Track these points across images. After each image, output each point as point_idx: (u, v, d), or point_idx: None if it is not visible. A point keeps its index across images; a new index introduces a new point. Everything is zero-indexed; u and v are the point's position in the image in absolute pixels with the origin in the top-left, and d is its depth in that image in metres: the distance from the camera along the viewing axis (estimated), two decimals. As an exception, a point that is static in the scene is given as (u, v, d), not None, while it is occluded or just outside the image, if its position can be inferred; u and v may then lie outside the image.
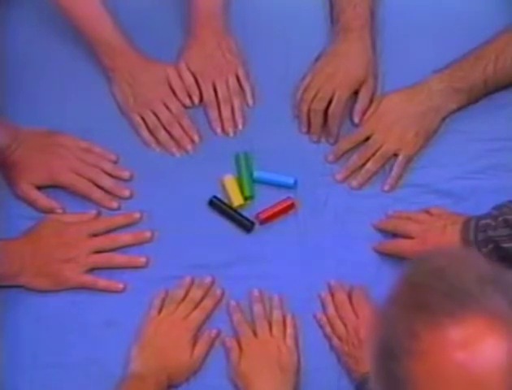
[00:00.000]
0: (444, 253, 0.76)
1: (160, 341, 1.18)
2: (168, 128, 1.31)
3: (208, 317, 1.21)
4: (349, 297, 1.20)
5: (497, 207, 1.15)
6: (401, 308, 0.72)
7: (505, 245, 1.10)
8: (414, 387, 0.69)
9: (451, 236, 1.15)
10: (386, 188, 1.27)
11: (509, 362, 0.68)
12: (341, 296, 1.20)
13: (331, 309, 1.20)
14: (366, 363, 1.11)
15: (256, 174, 1.28)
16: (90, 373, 1.18)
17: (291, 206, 1.26)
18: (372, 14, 1.34)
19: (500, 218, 1.11)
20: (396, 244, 1.21)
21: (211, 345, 1.19)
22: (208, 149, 1.31)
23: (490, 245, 1.11)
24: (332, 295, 1.21)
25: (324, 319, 1.19)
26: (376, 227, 1.24)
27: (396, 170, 1.27)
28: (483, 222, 1.13)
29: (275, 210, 1.26)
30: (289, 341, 1.18)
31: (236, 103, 1.33)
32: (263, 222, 1.26)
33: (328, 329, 1.19)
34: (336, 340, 1.18)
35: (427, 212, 1.22)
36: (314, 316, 1.20)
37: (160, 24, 1.39)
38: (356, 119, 1.31)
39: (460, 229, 1.15)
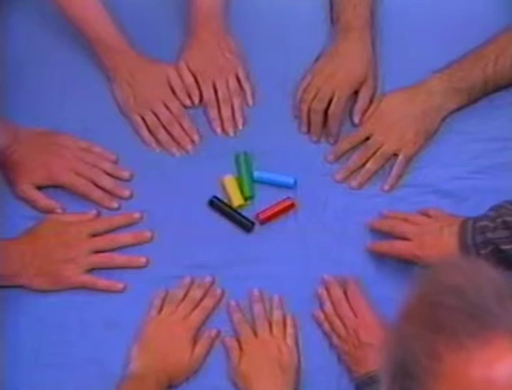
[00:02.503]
0: (456, 267, 0.74)
1: (160, 341, 1.18)
2: (168, 128, 1.31)
3: (208, 317, 1.21)
4: (345, 293, 1.20)
5: (495, 208, 1.14)
6: (419, 327, 0.71)
7: (505, 247, 1.09)
8: None
9: (448, 238, 1.14)
10: (386, 188, 1.27)
11: None
12: (337, 294, 1.20)
13: (328, 307, 1.19)
14: (367, 364, 1.12)
15: (256, 174, 1.28)
16: (90, 373, 1.18)
17: (291, 206, 1.26)
18: (372, 14, 1.34)
19: (498, 220, 1.10)
20: (392, 246, 1.20)
21: (211, 345, 1.19)
22: (208, 149, 1.31)
23: (489, 247, 1.10)
24: (328, 290, 1.21)
25: (322, 317, 1.19)
26: (372, 227, 1.24)
27: (396, 170, 1.27)
28: (480, 224, 1.12)
29: (275, 210, 1.26)
30: (289, 341, 1.18)
31: (236, 103, 1.33)
32: (263, 222, 1.26)
33: (327, 326, 1.19)
34: (335, 339, 1.18)
35: (425, 213, 1.22)
36: (313, 315, 1.20)
37: (160, 24, 1.39)
38: (356, 119, 1.31)
39: (457, 231, 1.14)
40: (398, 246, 1.19)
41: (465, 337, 0.68)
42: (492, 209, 1.14)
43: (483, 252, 1.11)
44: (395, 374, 0.72)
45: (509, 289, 0.70)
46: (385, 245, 1.21)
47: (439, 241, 1.15)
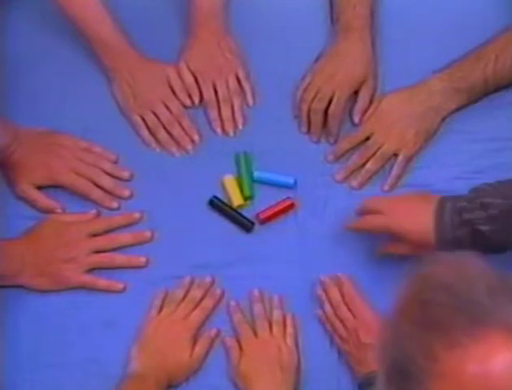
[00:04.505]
0: (446, 263, 0.73)
1: (160, 341, 1.18)
2: (168, 128, 1.31)
3: (208, 317, 1.21)
4: (341, 294, 1.20)
5: (474, 190, 1.13)
6: (414, 327, 0.71)
7: (482, 228, 1.08)
8: None
9: (424, 215, 1.11)
10: (386, 188, 1.27)
11: None
12: (335, 296, 1.20)
13: (328, 308, 1.19)
14: (368, 364, 1.12)
15: (256, 174, 1.28)
16: (90, 373, 1.18)
17: (291, 206, 1.26)
18: (372, 14, 1.34)
19: (477, 201, 1.09)
20: (365, 220, 1.18)
21: (211, 345, 1.19)
22: (208, 149, 1.31)
23: (466, 228, 1.08)
24: (326, 292, 1.20)
25: (324, 317, 1.20)
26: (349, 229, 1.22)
27: (396, 170, 1.27)
28: (459, 204, 1.10)
29: (275, 210, 1.26)
30: (289, 341, 1.18)
31: (236, 103, 1.33)
32: (263, 222, 1.26)
33: (329, 326, 1.19)
34: (337, 339, 1.18)
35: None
36: (315, 313, 1.20)
37: (160, 24, 1.39)
38: (356, 119, 1.31)
39: (435, 209, 1.11)
40: (371, 219, 1.17)
41: (459, 334, 0.68)
42: (471, 190, 1.13)
43: (458, 232, 1.09)
44: (391, 374, 0.72)
45: (500, 283, 0.70)
46: (358, 223, 1.19)
47: (414, 217, 1.13)
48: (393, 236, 1.16)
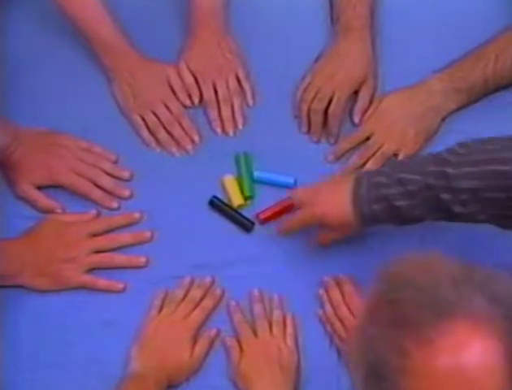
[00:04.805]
0: (412, 262, 0.74)
1: (160, 341, 1.18)
2: (168, 128, 1.31)
3: (208, 317, 1.21)
4: (342, 294, 1.20)
5: (390, 164, 1.14)
6: (384, 327, 0.72)
7: (398, 204, 1.08)
8: None
9: (343, 194, 1.11)
10: (386, 187, 1.27)
11: (499, 359, 0.68)
12: (336, 296, 1.20)
13: (328, 309, 1.20)
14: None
15: (256, 174, 1.28)
16: (90, 373, 1.18)
17: (291, 206, 1.26)
18: (372, 14, 1.34)
19: (393, 176, 1.08)
20: (293, 217, 1.19)
21: (211, 345, 1.19)
22: (208, 149, 1.31)
23: (382, 203, 1.08)
24: (327, 293, 1.21)
25: (324, 317, 1.20)
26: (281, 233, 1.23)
27: (396, 170, 1.27)
28: (375, 179, 1.09)
29: (275, 210, 1.26)
30: (289, 341, 1.18)
31: (236, 103, 1.33)
32: (263, 222, 1.26)
33: (329, 326, 1.19)
34: (337, 339, 1.18)
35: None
36: (316, 313, 1.20)
37: (160, 24, 1.40)
38: (356, 119, 1.31)
39: (352, 186, 1.11)
40: (298, 215, 1.18)
41: (427, 329, 0.68)
42: (387, 165, 1.14)
43: (375, 207, 1.09)
44: (367, 378, 0.72)
45: (464, 275, 0.71)
46: (283, 225, 1.21)
47: (334, 198, 1.13)
48: (322, 224, 1.16)
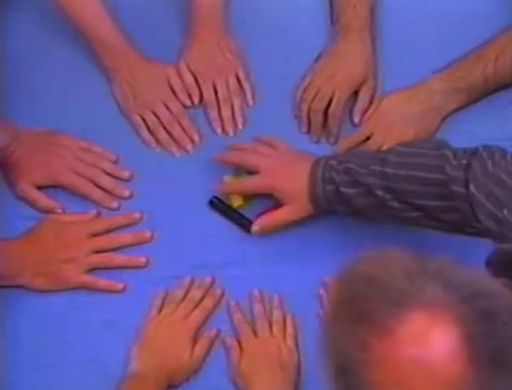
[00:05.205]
0: (368, 259, 0.76)
1: (160, 341, 1.18)
2: (168, 128, 1.31)
3: (208, 317, 1.21)
4: None
5: (348, 152, 1.20)
6: (345, 323, 0.73)
7: (343, 190, 1.12)
8: None
9: (300, 172, 1.16)
10: (386, 187, 1.28)
11: (459, 343, 0.68)
12: None
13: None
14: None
15: (256, 174, 1.28)
16: (90, 373, 1.18)
17: (291, 206, 1.26)
18: (372, 14, 1.34)
19: (344, 164, 1.13)
20: (247, 183, 1.23)
21: (211, 345, 1.19)
22: (208, 149, 1.31)
23: (332, 186, 1.13)
24: (327, 291, 1.20)
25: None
26: (220, 160, 1.26)
27: (396, 170, 1.27)
28: (331, 162, 1.15)
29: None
30: (289, 341, 1.18)
31: (237, 103, 1.33)
32: (263, 222, 1.26)
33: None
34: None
35: (270, 145, 1.24)
36: (316, 313, 1.20)
37: (160, 24, 1.39)
38: (356, 119, 1.31)
39: (311, 166, 1.16)
40: (254, 181, 1.22)
41: (385, 321, 0.70)
42: (346, 153, 1.21)
43: (329, 187, 1.14)
44: (336, 374, 0.74)
45: (417, 266, 0.72)
46: (240, 184, 1.25)
47: (290, 172, 1.18)
48: (276, 199, 1.20)
